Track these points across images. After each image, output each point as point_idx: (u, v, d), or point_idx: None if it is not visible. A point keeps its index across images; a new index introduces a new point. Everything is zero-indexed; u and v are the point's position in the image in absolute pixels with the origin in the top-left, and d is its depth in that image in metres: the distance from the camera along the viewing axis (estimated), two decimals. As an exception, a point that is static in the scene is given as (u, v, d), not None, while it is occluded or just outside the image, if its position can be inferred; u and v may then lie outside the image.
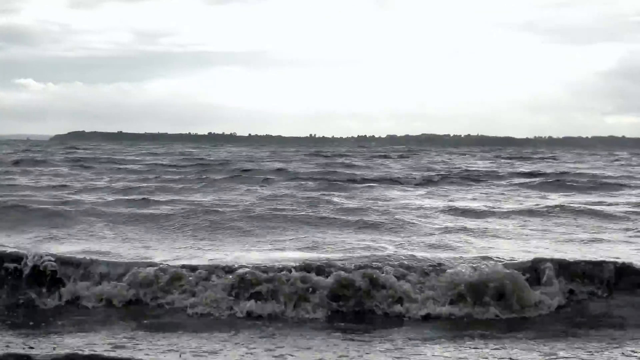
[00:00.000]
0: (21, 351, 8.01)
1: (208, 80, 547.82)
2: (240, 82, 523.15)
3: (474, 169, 51.80)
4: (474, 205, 22.50)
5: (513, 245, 14.46)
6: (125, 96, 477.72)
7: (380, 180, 34.14)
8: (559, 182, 33.66)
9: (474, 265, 11.16)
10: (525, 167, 54.84)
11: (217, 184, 30.25)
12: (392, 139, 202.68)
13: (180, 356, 7.84)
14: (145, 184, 29.91)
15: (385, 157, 75.65)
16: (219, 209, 18.78)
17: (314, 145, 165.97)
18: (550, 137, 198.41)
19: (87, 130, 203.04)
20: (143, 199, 22.19)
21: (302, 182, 31.29)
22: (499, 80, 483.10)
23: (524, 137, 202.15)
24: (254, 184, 30.59)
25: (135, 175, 36.80)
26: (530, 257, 12.18)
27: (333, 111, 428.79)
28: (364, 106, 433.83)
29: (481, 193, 28.15)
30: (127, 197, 23.04)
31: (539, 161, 71.74)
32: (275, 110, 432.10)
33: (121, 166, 47.71)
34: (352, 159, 66.86)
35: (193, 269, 11.03)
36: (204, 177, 34.34)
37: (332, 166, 50.96)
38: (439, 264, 11.31)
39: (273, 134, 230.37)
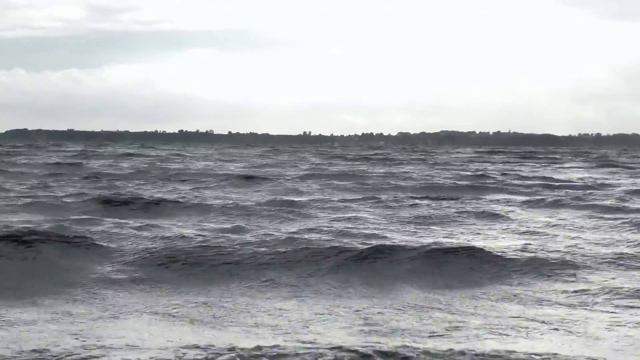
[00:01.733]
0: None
1: (178, 66, 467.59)
2: (217, 69, 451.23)
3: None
4: None
5: None
6: (77, 86, 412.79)
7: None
8: None
9: None
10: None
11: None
12: (404, 138, 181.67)
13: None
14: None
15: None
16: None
17: (313, 145, 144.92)
18: (598, 135, 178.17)
19: (30, 128, 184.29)
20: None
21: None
22: (535, 64, 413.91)
23: (567, 134, 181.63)
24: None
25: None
26: None
27: (331, 104, 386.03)
28: (370, 98, 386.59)
29: None
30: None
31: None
32: (261, 103, 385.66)
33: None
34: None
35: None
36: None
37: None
38: None
39: (258, 132, 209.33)
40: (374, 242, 12.89)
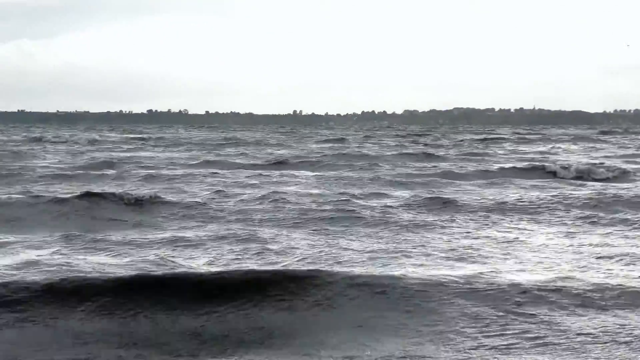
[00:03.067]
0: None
1: (147, 36, 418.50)
2: (193, 39, 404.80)
3: None
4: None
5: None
6: (28, 60, 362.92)
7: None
8: None
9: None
10: None
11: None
12: (412, 116, 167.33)
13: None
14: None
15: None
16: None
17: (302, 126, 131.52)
18: (637, 111, 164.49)
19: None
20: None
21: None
22: (561, 32, 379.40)
23: (600, 110, 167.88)
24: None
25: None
26: None
27: (325, 79, 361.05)
28: (370, 72, 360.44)
29: None
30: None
31: None
32: (244, 78, 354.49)
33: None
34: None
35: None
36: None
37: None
38: None
39: (241, 112, 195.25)
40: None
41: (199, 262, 9.93)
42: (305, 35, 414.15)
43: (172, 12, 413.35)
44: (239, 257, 10.39)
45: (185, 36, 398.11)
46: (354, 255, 10.45)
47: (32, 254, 10.22)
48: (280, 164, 29.42)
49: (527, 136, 67.65)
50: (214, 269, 9.17)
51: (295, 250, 10.80)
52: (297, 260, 10.04)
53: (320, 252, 10.72)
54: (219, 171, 25.09)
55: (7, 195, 16.65)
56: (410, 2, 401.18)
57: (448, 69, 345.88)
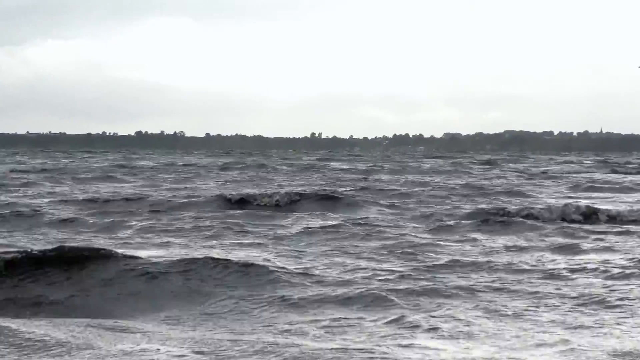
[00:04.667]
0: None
1: (135, 43, 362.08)
2: (191, 46, 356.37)
3: None
4: None
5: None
6: None
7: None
8: None
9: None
10: None
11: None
12: (453, 141, 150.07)
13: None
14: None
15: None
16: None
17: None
18: None
19: None
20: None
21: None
22: (631, 42, 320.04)
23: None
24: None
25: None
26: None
27: (349, 95, 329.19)
28: (404, 86, 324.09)
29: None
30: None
31: None
32: (252, 94, 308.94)
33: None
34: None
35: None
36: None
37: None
38: None
39: (248, 134, 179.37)
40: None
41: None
42: (324, 41, 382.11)
43: (167, 14, 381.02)
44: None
45: (182, 43, 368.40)
46: None
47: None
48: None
49: None
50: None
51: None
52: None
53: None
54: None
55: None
56: (452, 6, 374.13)
57: (497, 83, 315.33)
